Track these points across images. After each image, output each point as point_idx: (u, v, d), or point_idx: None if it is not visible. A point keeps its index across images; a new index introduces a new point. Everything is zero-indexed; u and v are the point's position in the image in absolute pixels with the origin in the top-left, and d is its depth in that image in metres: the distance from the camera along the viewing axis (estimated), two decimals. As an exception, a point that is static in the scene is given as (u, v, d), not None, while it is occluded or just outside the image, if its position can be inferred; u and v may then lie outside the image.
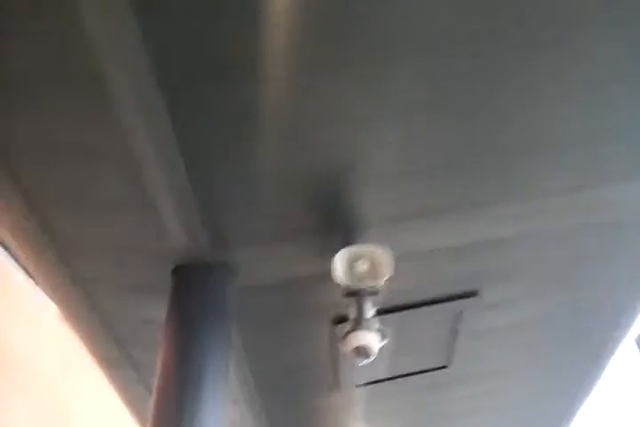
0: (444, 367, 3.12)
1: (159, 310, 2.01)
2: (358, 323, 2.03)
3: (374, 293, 2.12)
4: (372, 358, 1.98)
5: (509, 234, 2.33)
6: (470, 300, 2.62)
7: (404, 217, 2.10)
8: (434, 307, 2.61)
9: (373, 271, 1.95)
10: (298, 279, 2.28)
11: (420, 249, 2.27)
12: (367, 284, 1.96)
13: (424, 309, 2.61)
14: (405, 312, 2.57)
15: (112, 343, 2.53)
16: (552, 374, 3.51)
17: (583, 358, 3.31)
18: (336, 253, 1.97)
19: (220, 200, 1.94)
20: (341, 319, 2.36)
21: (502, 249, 2.41)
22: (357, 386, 3.10)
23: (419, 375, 3.13)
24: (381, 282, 2.00)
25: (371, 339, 1.97)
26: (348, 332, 2.00)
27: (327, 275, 2.23)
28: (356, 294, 2.11)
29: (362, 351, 1.95)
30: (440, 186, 2.06)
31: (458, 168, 2.01)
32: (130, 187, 1.81)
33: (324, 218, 2.06)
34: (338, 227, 2.06)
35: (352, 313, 2.13)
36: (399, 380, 3.13)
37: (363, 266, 1.93)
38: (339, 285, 2.10)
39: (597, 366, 3.39)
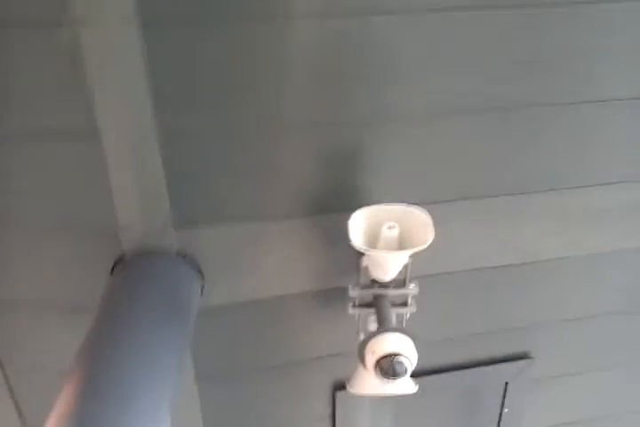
0: None
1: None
2: (383, 322, 1.38)
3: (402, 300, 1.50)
4: (407, 374, 1.28)
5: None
6: (519, 364, 1.93)
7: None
8: (466, 373, 1.89)
9: (407, 237, 1.35)
10: (290, 300, 1.63)
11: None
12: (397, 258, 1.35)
13: (447, 376, 1.89)
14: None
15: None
16: None
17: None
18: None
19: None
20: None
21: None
22: None
23: None
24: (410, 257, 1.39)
25: (405, 342, 1.30)
26: (368, 339, 1.33)
27: (330, 296, 1.64)
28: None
29: (394, 365, 1.26)
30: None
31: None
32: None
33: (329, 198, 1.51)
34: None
35: (369, 320, 1.48)
36: None
37: (391, 230, 1.33)
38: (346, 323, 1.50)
39: None
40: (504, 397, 1.98)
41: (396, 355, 1.27)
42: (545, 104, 1.48)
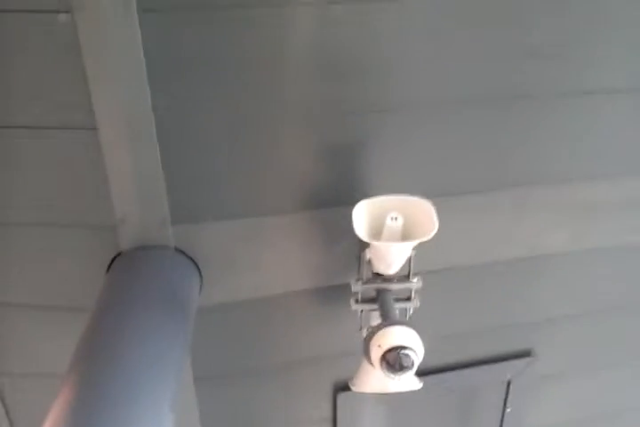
0: None
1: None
2: (387, 317, 1.35)
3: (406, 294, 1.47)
4: (413, 368, 1.25)
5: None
6: (522, 362, 1.90)
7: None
8: (468, 371, 1.87)
9: (410, 229, 1.32)
10: (290, 298, 1.60)
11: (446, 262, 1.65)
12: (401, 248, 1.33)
13: (449, 375, 1.85)
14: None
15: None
16: None
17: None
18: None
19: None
20: (347, 386, 1.61)
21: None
22: None
23: None
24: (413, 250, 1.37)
25: (411, 334, 1.27)
26: (373, 333, 1.30)
27: (331, 293, 1.60)
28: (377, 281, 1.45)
29: (400, 358, 1.23)
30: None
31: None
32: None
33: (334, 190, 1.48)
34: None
35: (372, 316, 1.45)
36: None
37: (394, 221, 1.31)
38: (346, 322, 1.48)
39: None
40: (507, 395, 1.94)
41: (402, 348, 1.24)
42: (547, 96, 1.47)
